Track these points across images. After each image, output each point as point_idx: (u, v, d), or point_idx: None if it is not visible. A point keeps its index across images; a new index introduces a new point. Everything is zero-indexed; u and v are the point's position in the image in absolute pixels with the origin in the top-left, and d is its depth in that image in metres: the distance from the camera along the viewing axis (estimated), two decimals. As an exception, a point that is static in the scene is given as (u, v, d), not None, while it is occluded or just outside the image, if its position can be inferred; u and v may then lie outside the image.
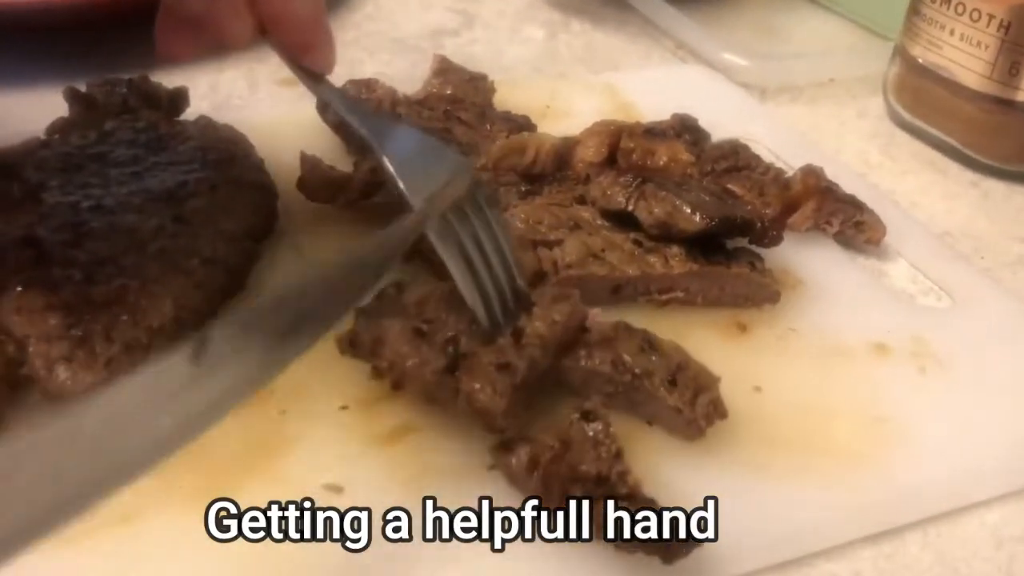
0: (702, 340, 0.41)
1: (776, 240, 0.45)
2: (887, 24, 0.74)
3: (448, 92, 0.56)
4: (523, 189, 0.47)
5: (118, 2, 0.61)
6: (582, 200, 0.46)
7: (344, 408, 0.37)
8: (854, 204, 0.50)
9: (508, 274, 0.38)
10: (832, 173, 0.51)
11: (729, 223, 0.43)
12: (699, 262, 0.43)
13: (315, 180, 0.47)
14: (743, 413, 0.38)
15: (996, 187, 0.59)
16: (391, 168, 0.38)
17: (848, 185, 0.51)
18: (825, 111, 0.67)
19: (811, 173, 0.50)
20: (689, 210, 0.42)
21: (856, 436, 0.38)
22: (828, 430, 0.38)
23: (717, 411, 0.36)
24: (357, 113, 0.42)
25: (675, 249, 0.43)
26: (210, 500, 0.33)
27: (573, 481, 0.32)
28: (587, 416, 0.34)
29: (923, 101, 0.62)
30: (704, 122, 0.54)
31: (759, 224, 0.44)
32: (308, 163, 0.47)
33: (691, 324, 0.43)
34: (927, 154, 0.62)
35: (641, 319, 0.40)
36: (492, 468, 0.34)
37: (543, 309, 0.37)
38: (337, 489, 0.34)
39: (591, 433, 0.33)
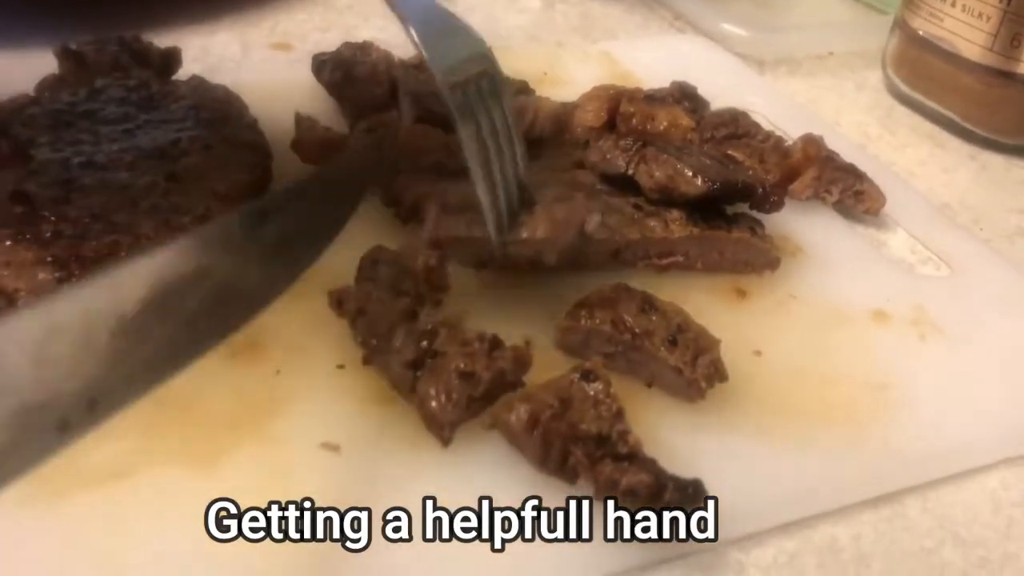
0: (702, 305, 0.41)
1: (777, 206, 0.45)
2: (886, -1, 0.74)
3: (445, 56, 0.55)
4: (522, 153, 0.46)
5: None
6: (581, 164, 0.45)
7: (341, 367, 0.36)
8: (854, 173, 0.49)
9: (515, 167, 0.38)
10: (831, 145, 0.50)
11: (730, 187, 0.43)
12: (699, 226, 0.42)
13: (311, 141, 0.46)
14: (743, 377, 0.38)
15: (994, 160, 0.59)
16: (416, 37, 0.37)
17: (847, 157, 0.50)
18: (824, 84, 0.67)
19: (811, 141, 0.49)
20: (690, 173, 0.42)
21: (856, 402, 0.38)
22: (828, 395, 0.38)
23: (718, 373, 0.36)
24: None
25: (675, 213, 0.43)
26: (206, 458, 0.32)
27: (573, 440, 0.32)
28: (587, 376, 0.33)
29: (922, 74, 0.62)
30: (703, 92, 0.54)
31: (760, 189, 0.44)
32: (304, 124, 0.46)
33: (691, 289, 0.42)
34: (926, 127, 0.62)
35: (641, 284, 0.39)
36: (491, 427, 0.34)
37: (543, 207, 0.38)
38: (334, 448, 0.33)
39: (591, 392, 0.33)
